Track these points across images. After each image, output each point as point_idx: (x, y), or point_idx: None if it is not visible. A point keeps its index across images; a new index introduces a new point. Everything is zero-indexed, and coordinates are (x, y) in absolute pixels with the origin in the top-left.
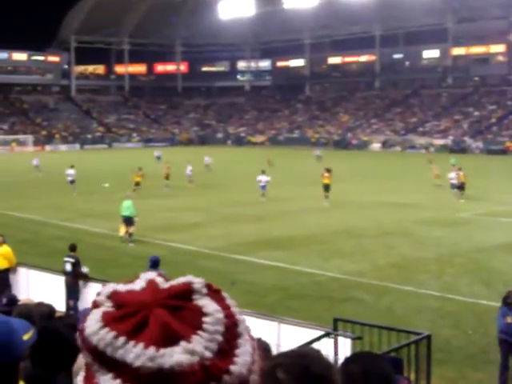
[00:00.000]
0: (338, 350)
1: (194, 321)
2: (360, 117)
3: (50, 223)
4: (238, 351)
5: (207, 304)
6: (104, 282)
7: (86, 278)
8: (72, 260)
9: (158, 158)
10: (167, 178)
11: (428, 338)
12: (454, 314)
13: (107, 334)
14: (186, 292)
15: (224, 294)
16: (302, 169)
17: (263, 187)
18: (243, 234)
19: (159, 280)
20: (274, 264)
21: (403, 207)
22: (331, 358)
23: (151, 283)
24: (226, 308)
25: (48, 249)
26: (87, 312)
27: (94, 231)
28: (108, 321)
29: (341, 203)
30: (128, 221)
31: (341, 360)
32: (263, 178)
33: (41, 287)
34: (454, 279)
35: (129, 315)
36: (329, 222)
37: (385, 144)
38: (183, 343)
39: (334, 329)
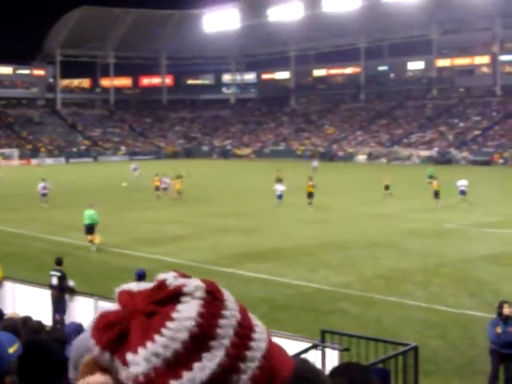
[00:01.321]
0: (325, 361)
1: (156, 326)
2: (345, 129)
3: (35, 237)
4: (196, 365)
5: (183, 309)
6: (90, 295)
7: (73, 292)
8: (58, 274)
9: (135, 169)
10: (157, 189)
11: (415, 349)
12: (440, 324)
13: (95, 347)
14: (174, 295)
15: (226, 303)
16: (298, 181)
17: (279, 196)
18: (230, 246)
19: (171, 279)
20: (260, 276)
21: (390, 218)
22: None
23: (159, 282)
24: (207, 316)
25: (34, 262)
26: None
27: (80, 245)
28: (94, 330)
29: (328, 215)
30: (90, 229)
31: (328, 372)
32: (279, 187)
33: (27, 301)
34: (440, 290)
35: (112, 324)
36: (316, 233)
37: (370, 156)
38: (129, 355)
39: (321, 340)
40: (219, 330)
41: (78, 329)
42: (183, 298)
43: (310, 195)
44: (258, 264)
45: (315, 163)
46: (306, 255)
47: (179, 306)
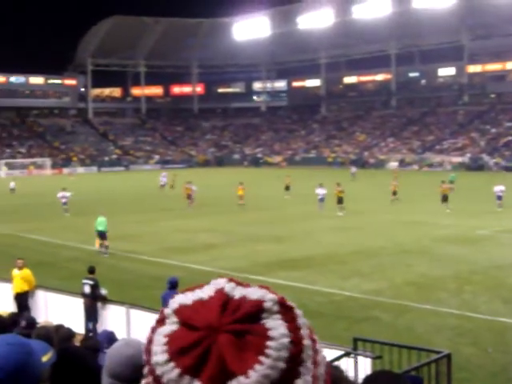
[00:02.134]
0: (358, 369)
1: (257, 346)
2: (377, 136)
3: (67, 245)
4: (297, 381)
5: (274, 326)
6: (122, 303)
7: (105, 300)
8: (91, 282)
9: (164, 178)
10: (189, 197)
11: (448, 356)
12: (473, 331)
13: (172, 371)
14: (256, 312)
15: (297, 311)
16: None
17: (321, 200)
18: (261, 254)
19: (229, 288)
20: (292, 284)
21: (421, 225)
22: (351, 378)
23: (219, 293)
24: (294, 330)
25: (66, 271)
26: (169, 296)
27: (111, 253)
28: (174, 352)
29: (359, 222)
30: (102, 235)
31: (361, 380)
32: (321, 191)
33: (59, 309)
34: (472, 297)
35: (193, 345)
36: (347, 241)
37: (402, 163)
38: (241, 378)
39: (353, 348)
40: (304, 342)
41: (110, 337)
42: (264, 314)
43: (340, 201)
44: (290, 272)
45: (354, 169)
46: (338, 263)
47: (268, 323)
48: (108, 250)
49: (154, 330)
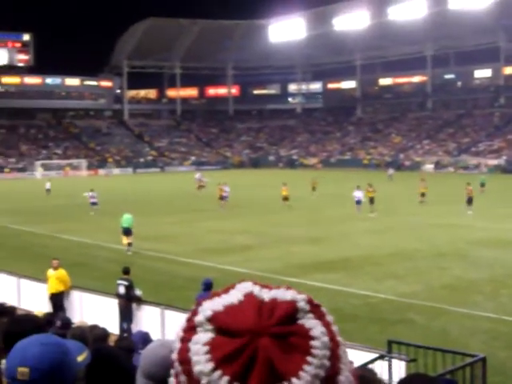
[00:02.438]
0: (392, 372)
1: (302, 346)
2: (412, 138)
3: (101, 246)
4: (340, 378)
5: (313, 325)
6: (157, 304)
7: (140, 301)
8: (125, 283)
9: (199, 180)
10: (221, 198)
11: (483, 360)
12: (508, 335)
13: (221, 379)
14: (292, 313)
15: (323, 308)
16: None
17: (358, 202)
18: (296, 255)
19: (257, 291)
20: (327, 286)
21: (456, 228)
22: (386, 381)
23: (250, 297)
24: (327, 327)
25: (101, 272)
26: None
27: (146, 254)
28: (218, 360)
29: (394, 224)
30: (127, 232)
31: (395, 383)
32: (358, 194)
33: (94, 310)
34: (508, 300)
35: (238, 351)
36: (382, 243)
37: (437, 165)
38: (293, 380)
39: (388, 351)
40: (338, 338)
41: (145, 338)
42: (299, 314)
43: (372, 201)
44: (325, 274)
45: (391, 171)
46: (373, 265)
47: (306, 323)
48: (131, 248)
49: (186, 339)
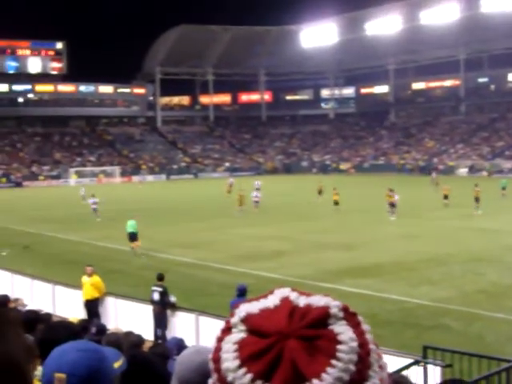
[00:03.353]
0: (427, 378)
1: (328, 350)
2: (446, 142)
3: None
4: None
5: (343, 331)
6: (192, 311)
7: (174, 308)
8: (160, 289)
9: (231, 185)
10: (241, 204)
11: None
12: None
13: (245, 376)
14: (323, 318)
15: (359, 317)
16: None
17: (392, 205)
18: (330, 261)
19: (294, 296)
20: (361, 291)
21: (492, 233)
22: None
23: (286, 302)
24: (360, 335)
25: (136, 279)
26: (236, 303)
27: (180, 261)
28: (245, 358)
29: (428, 229)
30: (133, 237)
31: None
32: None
33: (129, 316)
34: None
35: (264, 350)
36: (416, 248)
37: (472, 169)
38: (315, 381)
39: (423, 356)
40: (370, 346)
41: (180, 344)
42: (331, 320)
43: (392, 205)
44: (359, 279)
45: (434, 175)
46: (407, 270)
47: (336, 328)
48: (137, 251)
49: (220, 339)
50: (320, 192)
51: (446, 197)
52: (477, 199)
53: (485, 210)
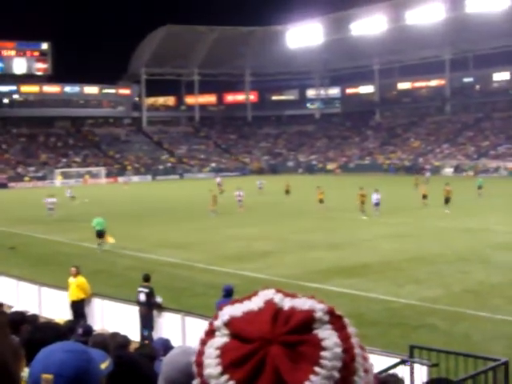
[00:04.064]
0: (414, 377)
1: (311, 356)
2: (431, 142)
3: (122, 254)
4: None
5: (327, 336)
6: (178, 311)
7: (160, 308)
8: (146, 290)
9: (219, 184)
10: (214, 204)
11: (505, 364)
12: None
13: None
14: (307, 323)
15: (346, 320)
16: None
17: (377, 204)
18: (316, 261)
19: (278, 299)
20: (347, 291)
21: (476, 232)
22: None
23: (270, 305)
24: (345, 339)
25: (122, 279)
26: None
27: (166, 261)
28: (227, 365)
29: (414, 229)
30: (100, 234)
31: None
32: (375, 196)
33: (115, 317)
34: None
35: (246, 357)
36: (402, 247)
37: (457, 169)
38: None
39: (409, 356)
40: (356, 351)
41: (166, 344)
42: (315, 324)
43: (362, 203)
44: (345, 279)
45: (428, 174)
46: (393, 270)
47: (320, 333)
48: (104, 246)
49: (204, 342)
50: (287, 192)
51: (424, 196)
52: (447, 198)
53: (475, 209)
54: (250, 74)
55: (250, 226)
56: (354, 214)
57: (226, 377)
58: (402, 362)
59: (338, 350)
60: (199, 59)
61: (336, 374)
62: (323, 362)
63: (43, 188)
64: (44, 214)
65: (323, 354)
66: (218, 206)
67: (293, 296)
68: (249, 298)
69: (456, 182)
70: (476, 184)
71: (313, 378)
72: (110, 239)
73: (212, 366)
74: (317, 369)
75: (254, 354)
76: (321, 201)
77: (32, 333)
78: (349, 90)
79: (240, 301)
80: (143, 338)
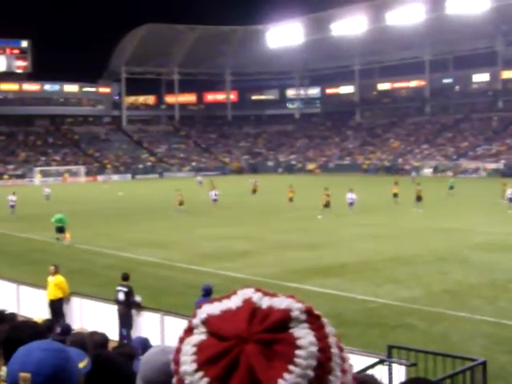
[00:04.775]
0: (392, 377)
1: (286, 355)
2: (411, 142)
3: (101, 252)
4: None
5: (303, 335)
6: (157, 310)
7: (139, 307)
8: (125, 289)
9: (200, 182)
10: (181, 204)
11: (483, 364)
12: (509, 339)
13: (201, 380)
14: (284, 322)
15: (324, 320)
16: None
17: (351, 203)
18: (295, 261)
19: (256, 298)
20: (326, 291)
21: (455, 232)
22: None
23: (247, 304)
24: (322, 339)
25: (101, 278)
26: (201, 302)
27: (145, 260)
28: (202, 362)
29: (393, 229)
30: (61, 229)
31: None
32: (349, 196)
33: (94, 316)
34: (508, 304)
35: (222, 354)
36: (382, 248)
37: (436, 169)
38: None
39: (388, 356)
40: (333, 350)
41: (144, 343)
42: (292, 323)
43: (327, 204)
44: (324, 279)
45: (414, 174)
46: (372, 270)
47: (296, 332)
48: (65, 242)
49: (182, 340)
50: (254, 191)
51: (395, 195)
52: (418, 198)
53: (453, 210)
54: (231, 74)
55: (228, 225)
56: (329, 214)
57: (200, 374)
58: (381, 362)
59: (314, 348)
60: (180, 58)
61: (310, 373)
62: (298, 360)
63: (22, 186)
64: (6, 213)
65: (298, 352)
66: (192, 206)
67: (272, 295)
68: (228, 296)
69: (433, 183)
70: (447, 184)
71: (286, 376)
72: (67, 237)
73: (188, 362)
74: (291, 367)
75: (229, 352)
76: (290, 199)
77: (10, 332)
78: (329, 90)
79: (219, 299)
80: (122, 337)
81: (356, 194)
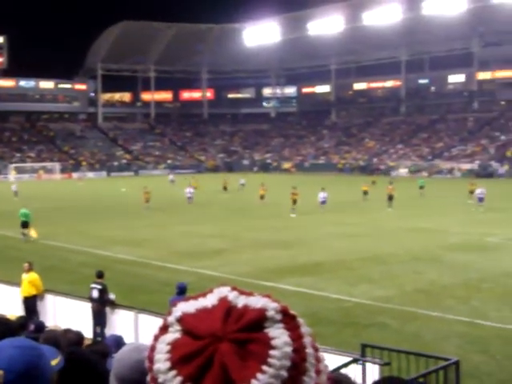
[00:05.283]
0: (366, 376)
1: (260, 355)
2: (386, 142)
3: (75, 250)
4: None
5: (278, 335)
6: (131, 308)
7: (113, 305)
8: (99, 286)
9: (172, 181)
10: (147, 201)
11: (456, 363)
12: (482, 339)
13: (175, 379)
14: (259, 321)
15: (299, 320)
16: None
17: (323, 202)
18: (270, 259)
19: (232, 296)
20: (301, 290)
21: (430, 232)
22: None
23: (223, 302)
24: (296, 339)
25: (75, 276)
26: (176, 300)
27: (120, 258)
28: (176, 360)
29: (368, 229)
30: (25, 224)
31: None
32: (321, 195)
33: (68, 314)
34: (482, 304)
35: (196, 353)
36: (356, 247)
37: (409, 170)
38: None
39: (361, 355)
40: (307, 350)
41: (118, 341)
42: (267, 323)
43: (294, 202)
44: (299, 278)
45: (394, 173)
46: (346, 269)
47: (271, 332)
48: (29, 238)
49: (156, 337)
50: (225, 188)
51: (365, 193)
52: (390, 197)
53: (428, 210)
54: (207, 72)
55: (203, 223)
56: (302, 213)
57: (173, 372)
58: (355, 361)
59: (288, 349)
60: (156, 56)
61: (284, 373)
62: (271, 360)
63: None
64: None
65: (272, 352)
66: (166, 204)
67: (248, 294)
68: (204, 295)
69: (407, 183)
70: (418, 184)
71: (260, 376)
72: (33, 233)
73: (161, 361)
74: (264, 367)
75: (203, 351)
76: (262, 197)
77: None
78: (305, 90)
79: (195, 297)
80: (96, 334)
81: (328, 193)
